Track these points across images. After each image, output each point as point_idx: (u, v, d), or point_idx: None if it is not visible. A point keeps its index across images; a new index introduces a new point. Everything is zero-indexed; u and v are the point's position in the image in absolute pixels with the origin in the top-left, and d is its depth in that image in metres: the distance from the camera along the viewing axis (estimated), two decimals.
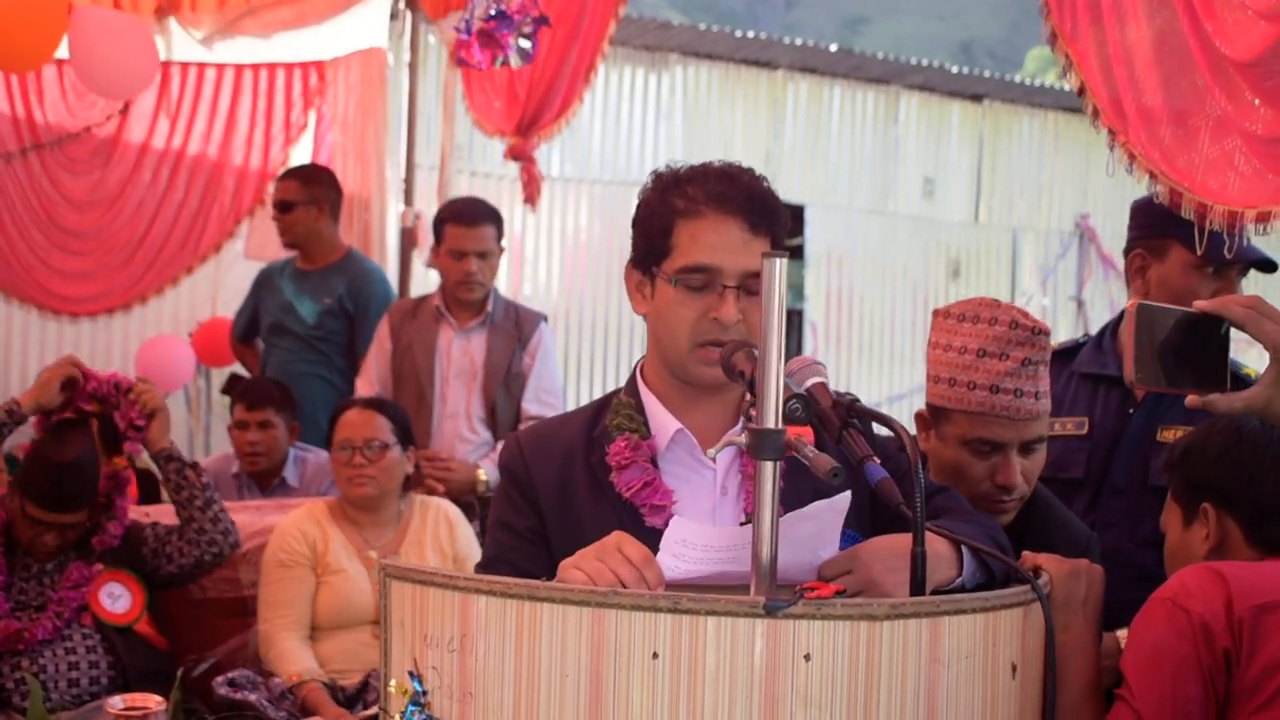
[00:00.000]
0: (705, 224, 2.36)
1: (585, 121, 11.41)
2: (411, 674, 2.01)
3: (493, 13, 4.67)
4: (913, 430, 2.82)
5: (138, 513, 4.78)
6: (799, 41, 12.28)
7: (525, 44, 4.89)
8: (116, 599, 4.19)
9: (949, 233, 13.01)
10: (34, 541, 4.16)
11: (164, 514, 4.93)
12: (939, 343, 2.80)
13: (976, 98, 12.98)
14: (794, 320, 13.15)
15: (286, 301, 6.17)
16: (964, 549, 2.20)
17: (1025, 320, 2.74)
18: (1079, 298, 13.21)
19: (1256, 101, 2.85)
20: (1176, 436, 3.14)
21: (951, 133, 12.98)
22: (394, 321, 5.55)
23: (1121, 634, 3.01)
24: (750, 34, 12.00)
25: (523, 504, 2.43)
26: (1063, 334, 12.83)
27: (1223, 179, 2.91)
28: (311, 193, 6.13)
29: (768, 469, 1.95)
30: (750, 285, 2.32)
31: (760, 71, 12.24)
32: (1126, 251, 3.34)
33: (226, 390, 6.66)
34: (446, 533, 4.50)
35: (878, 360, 12.83)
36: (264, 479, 5.51)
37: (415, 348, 5.43)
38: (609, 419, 2.46)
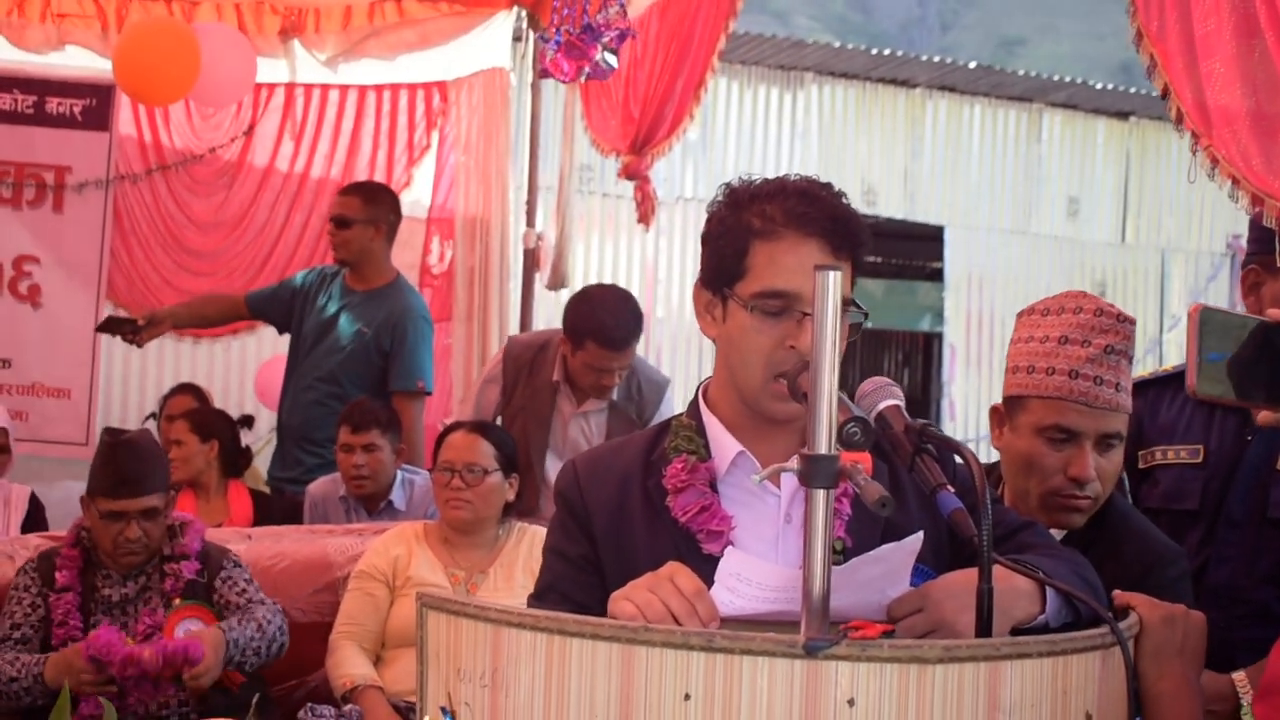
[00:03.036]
0: (784, 246, 2.22)
1: (720, 141, 11.35)
2: (444, 710, 1.92)
3: (581, 26, 4.60)
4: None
5: (239, 535, 4.78)
6: (937, 59, 12.08)
7: (610, 58, 4.80)
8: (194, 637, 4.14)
9: (1094, 253, 12.66)
10: (117, 544, 4.09)
11: (269, 535, 4.93)
12: (1020, 337, 2.70)
13: (1123, 115, 12.64)
14: (933, 343, 12.95)
15: (326, 320, 6.06)
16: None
17: (1110, 308, 2.63)
18: None
19: None
20: None
21: (1097, 151, 12.64)
22: (509, 371, 5.37)
23: (1238, 676, 2.82)
24: (887, 51, 11.82)
25: (576, 530, 2.32)
26: None
27: None
28: (372, 212, 6.02)
29: (820, 497, 1.82)
30: None
31: (898, 90, 12.05)
32: (1244, 265, 3.16)
33: (102, 328, 6.48)
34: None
35: None
36: (370, 501, 5.48)
37: (528, 417, 5.23)
38: (668, 441, 2.34)
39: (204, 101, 7.04)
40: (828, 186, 2.30)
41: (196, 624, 4.12)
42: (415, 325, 6.00)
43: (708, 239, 2.35)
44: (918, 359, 14.25)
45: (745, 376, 2.26)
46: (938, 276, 12.55)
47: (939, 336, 12.65)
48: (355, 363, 5.95)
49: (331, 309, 6.07)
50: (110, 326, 6.31)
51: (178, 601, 4.14)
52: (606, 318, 5.04)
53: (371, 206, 6.05)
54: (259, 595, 4.25)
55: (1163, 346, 12.64)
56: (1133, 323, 2.64)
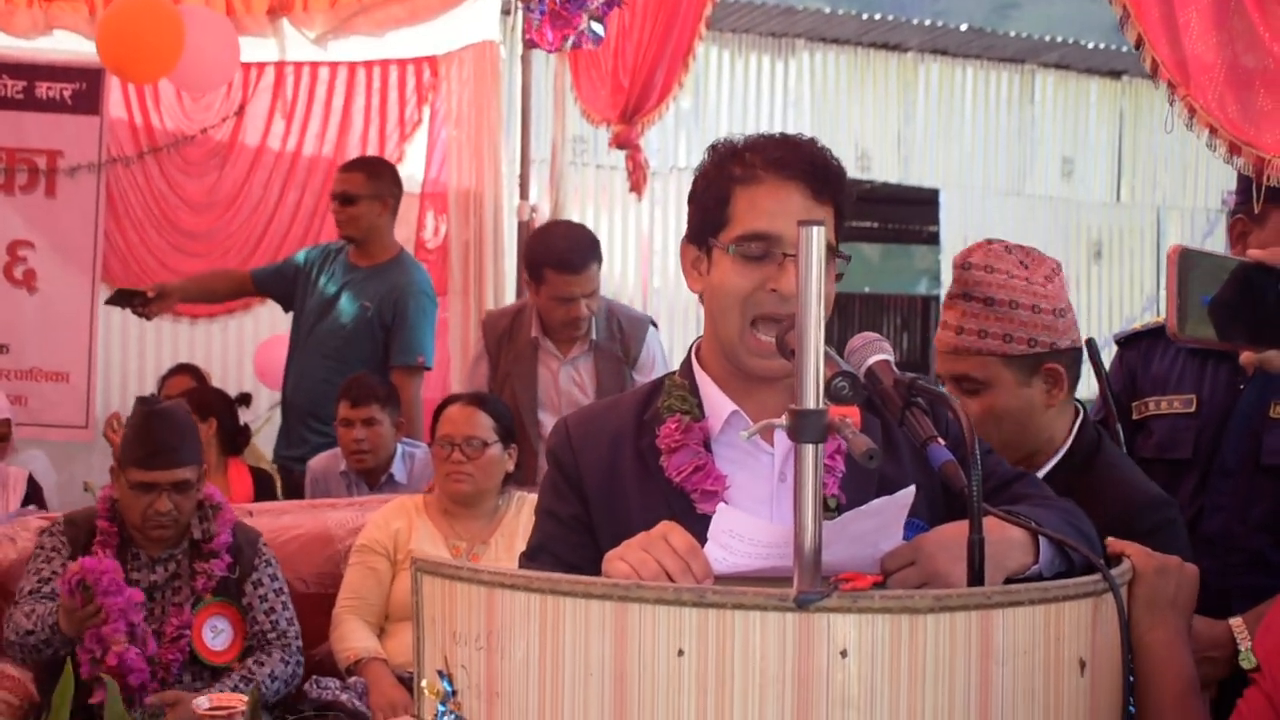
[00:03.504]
0: (764, 190, 2.23)
1: (712, 110, 11.32)
2: (441, 673, 1.92)
3: None
4: None
5: (241, 511, 4.78)
6: (929, 22, 12.03)
7: (597, 27, 4.77)
8: (218, 633, 4.09)
9: (1090, 213, 12.65)
10: (146, 517, 4.01)
11: (271, 510, 4.94)
12: None
13: (1115, 74, 12.60)
14: (930, 306, 12.95)
15: (328, 299, 6.02)
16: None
17: (969, 255, 2.73)
18: None
19: None
20: None
21: (1090, 110, 12.62)
22: (489, 343, 5.35)
23: (1235, 621, 2.82)
24: (878, 16, 11.77)
25: (567, 491, 2.31)
26: None
27: (1278, 131, 2.70)
28: (376, 187, 5.99)
29: (809, 452, 1.82)
30: None
31: (890, 54, 12.01)
32: (1230, 215, 3.15)
33: (112, 300, 6.48)
34: None
35: None
36: (371, 475, 5.48)
37: (514, 380, 5.20)
38: (661, 401, 2.33)
39: (187, 86, 7.03)
40: (809, 139, 2.31)
41: (222, 621, 4.10)
42: (416, 301, 5.97)
43: (693, 196, 2.36)
44: (915, 322, 14.22)
45: (724, 324, 2.26)
46: (934, 240, 12.53)
47: (936, 299, 12.63)
48: (359, 339, 5.92)
49: (333, 287, 6.03)
50: (120, 299, 6.29)
51: (207, 598, 4.11)
52: (559, 243, 5.05)
53: (375, 182, 6.03)
54: (284, 619, 4.19)
55: (1159, 303, 12.63)
56: (980, 267, 2.69)
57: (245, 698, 3.36)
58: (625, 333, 5.24)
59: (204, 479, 4.20)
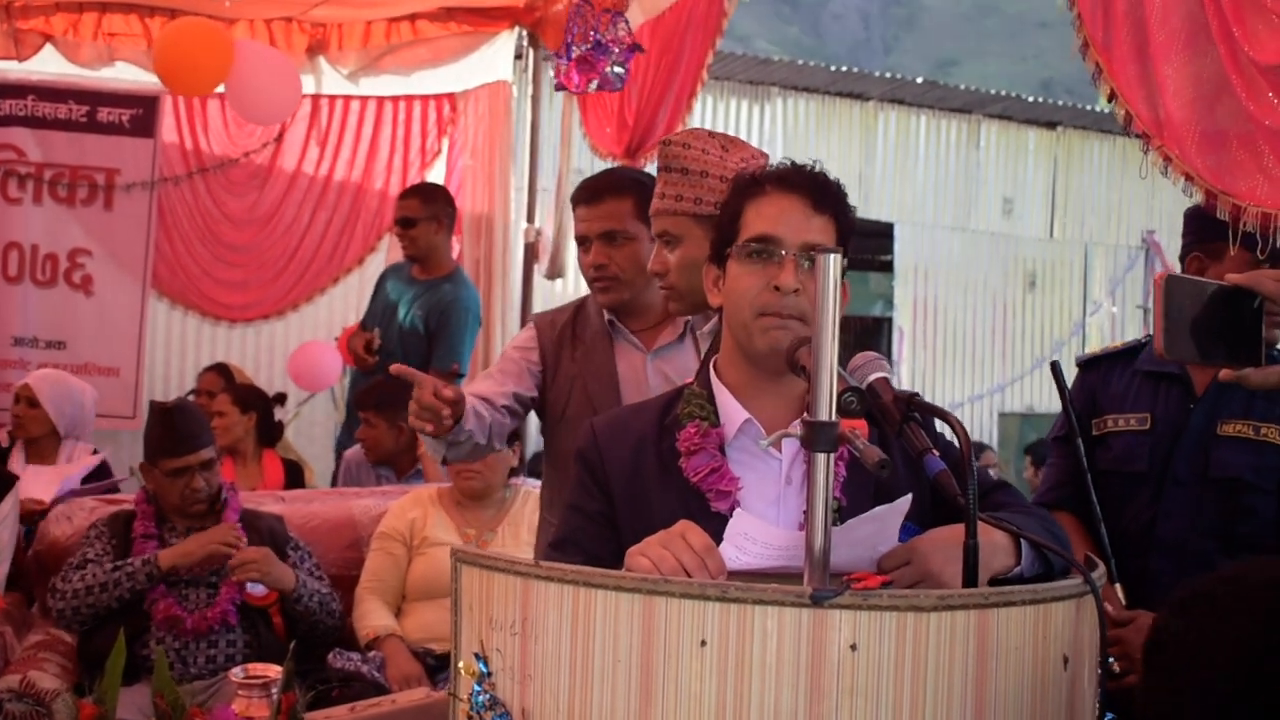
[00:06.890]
0: (769, 199, 2.20)
1: None
2: (478, 655, 1.85)
3: (591, 43, 4.49)
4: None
5: (274, 498, 4.71)
6: (889, 75, 12.02)
7: (620, 69, 4.69)
8: (256, 583, 4.08)
9: (1026, 247, 12.65)
10: (185, 495, 4.10)
11: (301, 497, 4.86)
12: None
13: (1051, 125, 12.61)
14: (884, 327, 12.92)
15: (392, 304, 6.00)
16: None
17: (670, 136, 2.88)
18: (1145, 306, 12.80)
19: (1277, 101, 2.57)
20: (1236, 430, 2.89)
21: (1028, 157, 12.62)
22: (544, 341, 3.39)
23: None
24: (844, 68, 11.75)
25: (594, 488, 2.25)
26: (1131, 338, 12.43)
27: (1252, 181, 2.63)
28: (431, 210, 5.95)
29: (821, 460, 1.75)
30: (812, 258, 2.11)
31: (854, 103, 11.99)
32: (1182, 257, 3.08)
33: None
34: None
35: (960, 364, 12.52)
36: (398, 467, 5.42)
37: (588, 381, 3.30)
38: (680, 408, 2.27)
39: (253, 117, 6.90)
40: (815, 164, 2.28)
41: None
42: (459, 316, 5.91)
43: (715, 225, 2.32)
44: (869, 340, 14.24)
45: (737, 318, 2.21)
46: (888, 268, 12.50)
47: (889, 320, 12.61)
48: (411, 344, 5.88)
49: (395, 298, 6.02)
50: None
51: None
52: (586, 179, 3.40)
53: (430, 205, 5.98)
54: (320, 578, 4.22)
55: (1085, 329, 12.65)
56: (680, 144, 2.83)
57: (279, 668, 3.26)
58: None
59: (219, 459, 4.31)
